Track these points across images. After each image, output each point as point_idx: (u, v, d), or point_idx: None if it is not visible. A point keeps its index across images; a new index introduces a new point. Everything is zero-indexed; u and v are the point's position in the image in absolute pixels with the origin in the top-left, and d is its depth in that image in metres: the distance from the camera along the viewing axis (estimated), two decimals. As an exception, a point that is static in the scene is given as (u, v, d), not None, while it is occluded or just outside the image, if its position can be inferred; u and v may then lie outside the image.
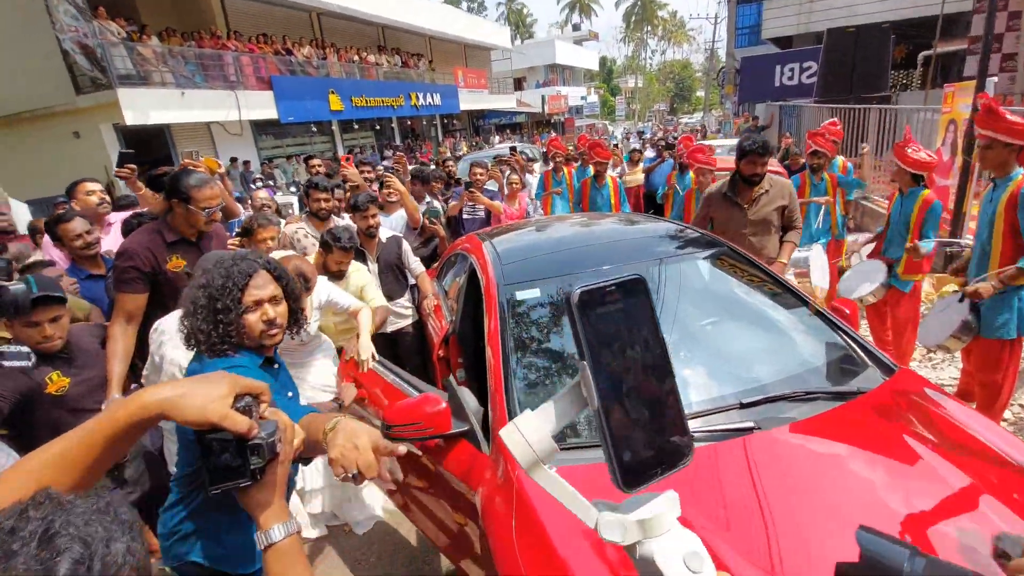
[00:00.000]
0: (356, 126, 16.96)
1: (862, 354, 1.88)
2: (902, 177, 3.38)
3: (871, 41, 9.52)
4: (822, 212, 4.53)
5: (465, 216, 4.84)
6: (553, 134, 19.45)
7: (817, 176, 4.60)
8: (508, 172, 5.36)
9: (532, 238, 2.77)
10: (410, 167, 6.69)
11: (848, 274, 3.79)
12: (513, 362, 1.81)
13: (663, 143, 9.51)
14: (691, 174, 5.65)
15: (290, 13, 14.78)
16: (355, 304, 2.66)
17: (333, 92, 14.38)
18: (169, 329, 1.93)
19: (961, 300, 2.63)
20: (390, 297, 3.22)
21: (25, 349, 1.83)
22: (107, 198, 3.63)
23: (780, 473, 1.40)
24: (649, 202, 7.38)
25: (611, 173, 6.91)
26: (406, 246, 3.37)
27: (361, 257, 3.19)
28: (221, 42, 12.25)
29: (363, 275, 2.96)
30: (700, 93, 56.57)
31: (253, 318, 1.37)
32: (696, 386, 1.76)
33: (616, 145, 8.81)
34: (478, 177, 4.96)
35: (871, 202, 6.85)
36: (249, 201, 5.72)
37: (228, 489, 0.69)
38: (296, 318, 1.50)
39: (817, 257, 4.08)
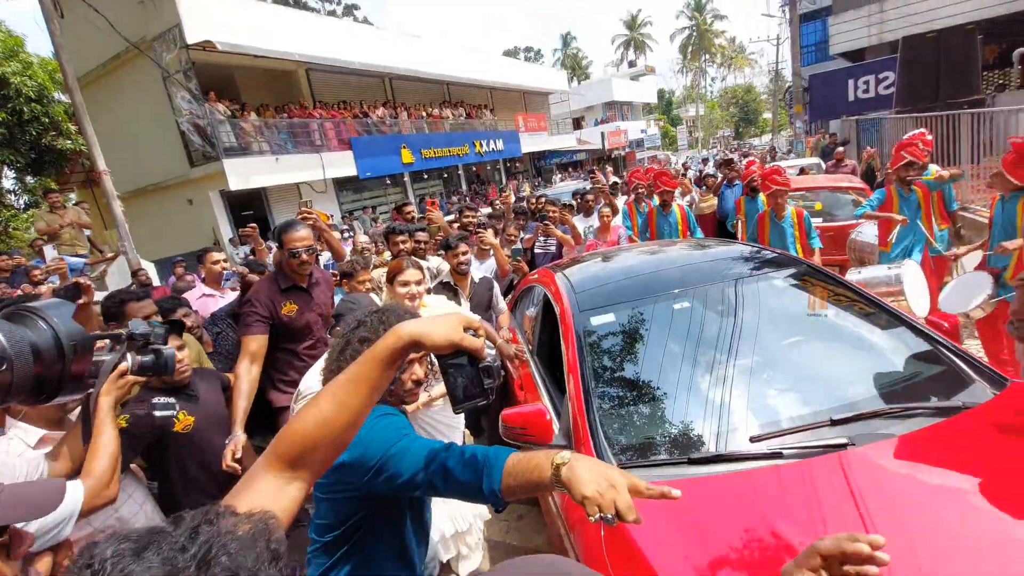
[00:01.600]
0: (426, 176, 18.00)
1: (966, 368, 1.77)
2: (1002, 181, 3.15)
3: (955, 45, 8.96)
4: (895, 231, 4.23)
5: (537, 250, 5.00)
6: (610, 169, 19.58)
7: (906, 188, 4.31)
8: (601, 204, 5.50)
9: (601, 267, 2.85)
10: (498, 205, 7.02)
11: (948, 288, 3.52)
12: (592, 387, 1.88)
13: (721, 161, 9.22)
14: (762, 197, 5.51)
15: (365, 80, 16.23)
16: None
17: (404, 147, 15.45)
18: (312, 387, 1.91)
19: None
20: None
21: (171, 400, 1.97)
22: (227, 264, 4.17)
23: (880, 492, 1.34)
24: (723, 229, 7.17)
25: (681, 202, 6.92)
26: (497, 289, 3.48)
27: (454, 294, 3.31)
28: (307, 111, 13.65)
29: (444, 304, 2.94)
30: (767, 115, 54.86)
31: (403, 377, 1.35)
32: (781, 404, 1.73)
33: (683, 174, 8.67)
34: (550, 212, 5.09)
35: (973, 212, 6.31)
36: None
37: (470, 407, 0.82)
38: (430, 375, 1.59)
39: (911, 274, 3.79)
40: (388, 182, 16.51)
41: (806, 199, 6.40)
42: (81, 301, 2.18)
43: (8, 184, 15.10)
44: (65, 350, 0.95)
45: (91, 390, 1.32)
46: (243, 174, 11.04)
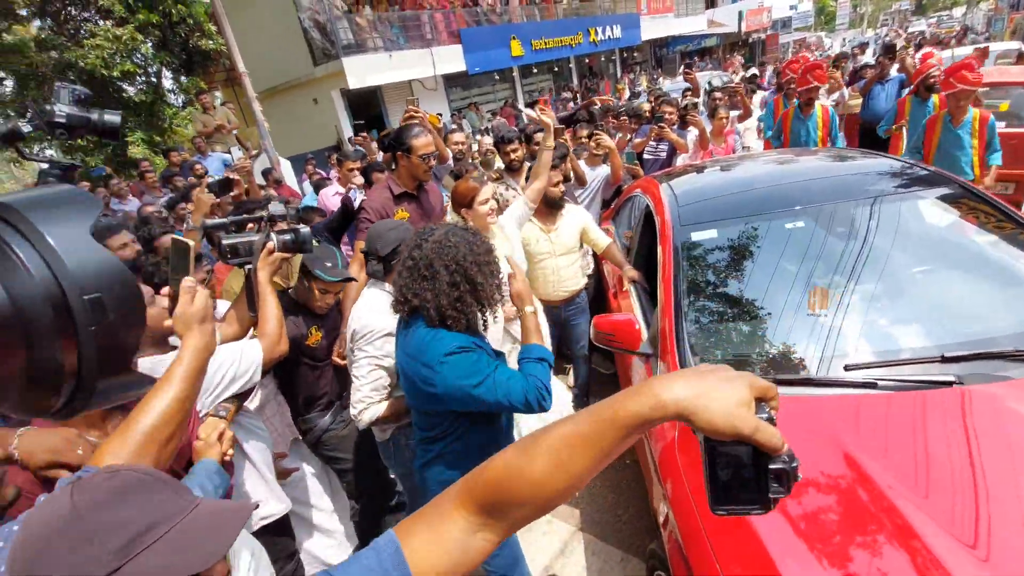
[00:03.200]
0: (535, 70, 17.17)
1: None
2: None
3: None
4: None
5: (647, 155, 4.71)
6: (739, 58, 17.11)
7: None
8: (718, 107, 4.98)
9: (714, 178, 2.71)
10: (622, 104, 6.58)
11: None
12: (684, 299, 1.91)
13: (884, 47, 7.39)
14: (935, 99, 4.54)
15: (476, -39, 15.27)
16: (601, 237, 2.91)
17: (514, 37, 14.70)
18: (384, 328, 1.83)
19: None
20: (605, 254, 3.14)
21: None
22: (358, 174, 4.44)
23: (984, 435, 1.30)
24: (868, 137, 5.77)
25: (826, 101, 5.84)
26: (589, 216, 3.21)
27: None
28: (418, 2, 13.35)
29: (578, 215, 3.00)
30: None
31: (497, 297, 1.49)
32: (891, 335, 1.65)
33: (834, 65, 7.09)
34: (667, 115, 4.59)
35: None
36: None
37: (735, 513, 0.59)
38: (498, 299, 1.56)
39: None
40: (496, 78, 16.05)
41: (990, 97, 5.24)
42: (234, 193, 2.57)
43: (167, 84, 16.96)
44: (75, 311, 0.43)
45: (242, 280, 1.57)
46: (360, 73, 11.37)
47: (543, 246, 2.90)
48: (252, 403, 1.88)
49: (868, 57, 9.80)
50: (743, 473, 0.57)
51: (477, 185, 2.29)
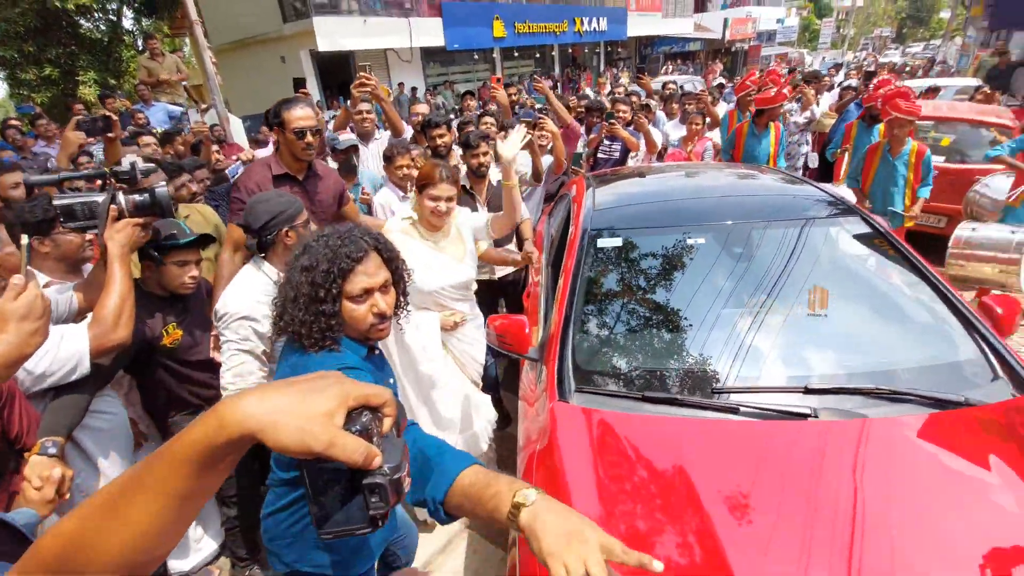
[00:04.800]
0: (517, 54, 16.91)
1: (993, 362, 1.57)
2: None
3: None
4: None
5: (600, 154, 4.67)
6: (719, 65, 17.26)
7: None
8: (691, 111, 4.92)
9: (634, 185, 2.68)
10: (583, 100, 6.47)
11: None
12: (578, 308, 1.87)
13: (857, 74, 7.55)
14: (880, 127, 4.62)
15: (465, -66, 14.83)
16: (482, 242, 2.46)
17: (497, 17, 14.40)
18: (239, 311, 1.64)
19: None
20: (498, 244, 3.05)
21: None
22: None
23: (809, 470, 1.30)
24: (822, 158, 5.98)
25: (798, 118, 5.89)
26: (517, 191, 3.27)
27: (470, 199, 3.06)
28: (400, -32, 12.89)
29: (471, 217, 2.67)
30: (944, 14, 44.60)
31: (361, 311, 1.19)
32: (762, 362, 1.65)
33: (806, 80, 7.13)
34: (620, 112, 4.50)
35: None
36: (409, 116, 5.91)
37: (342, 536, 0.54)
38: (402, 304, 1.31)
39: None
40: (476, 57, 15.72)
41: (936, 131, 5.40)
42: (110, 135, 2.35)
43: (128, 24, 15.98)
44: None
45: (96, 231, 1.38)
46: (331, 35, 10.93)
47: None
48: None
49: (841, 78, 10.00)
50: (343, 492, 0.52)
51: (436, 177, 2.08)
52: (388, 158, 3.20)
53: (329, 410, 0.49)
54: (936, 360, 1.62)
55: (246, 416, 0.47)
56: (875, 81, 5.77)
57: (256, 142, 6.36)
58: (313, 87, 11.84)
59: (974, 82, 8.34)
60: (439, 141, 3.27)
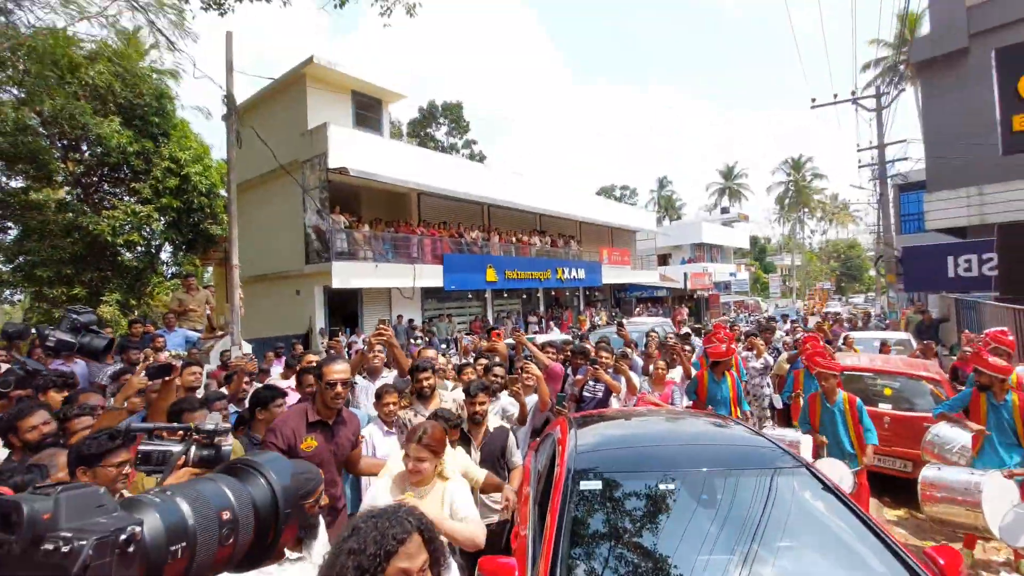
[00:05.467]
0: (506, 295, 19.09)
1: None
2: None
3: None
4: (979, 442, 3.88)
5: (586, 393, 5.09)
6: (685, 309, 19.38)
7: (997, 396, 3.84)
8: (656, 357, 5.55)
9: (615, 430, 3.02)
10: (544, 336, 7.31)
11: (1010, 512, 3.19)
12: (563, 551, 2.01)
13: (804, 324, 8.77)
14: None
15: (466, 206, 18.27)
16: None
17: (490, 267, 16.75)
18: None
19: None
20: (484, 491, 3.15)
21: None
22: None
23: None
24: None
25: (755, 363, 6.64)
26: (512, 440, 3.37)
27: (465, 442, 3.23)
28: (412, 228, 15.51)
29: (460, 457, 2.91)
30: (872, 272, 52.38)
31: None
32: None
33: (753, 333, 8.22)
34: (603, 358, 5.05)
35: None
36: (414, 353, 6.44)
37: None
38: None
39: (995, 485, 3.43)
40: (470, 296, 17.69)
41: (878, 380, 6.07)
42: (168, 378, 2.60)
43: (165, 256, 18.16)
44: (280, 512, 0.78)
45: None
46: (345, 275, 12.54)
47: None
48: None
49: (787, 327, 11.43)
50: None
51: (411, 436, 2.28)
52: (378, 396, 3.59)
53: None
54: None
55: None
56: (801, 337, 6.64)
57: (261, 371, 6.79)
58: (321, 317, 13.00)
59: (906, 336, 9.57)
60: (424, 383, 3.48)
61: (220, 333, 8.09)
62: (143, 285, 16.79)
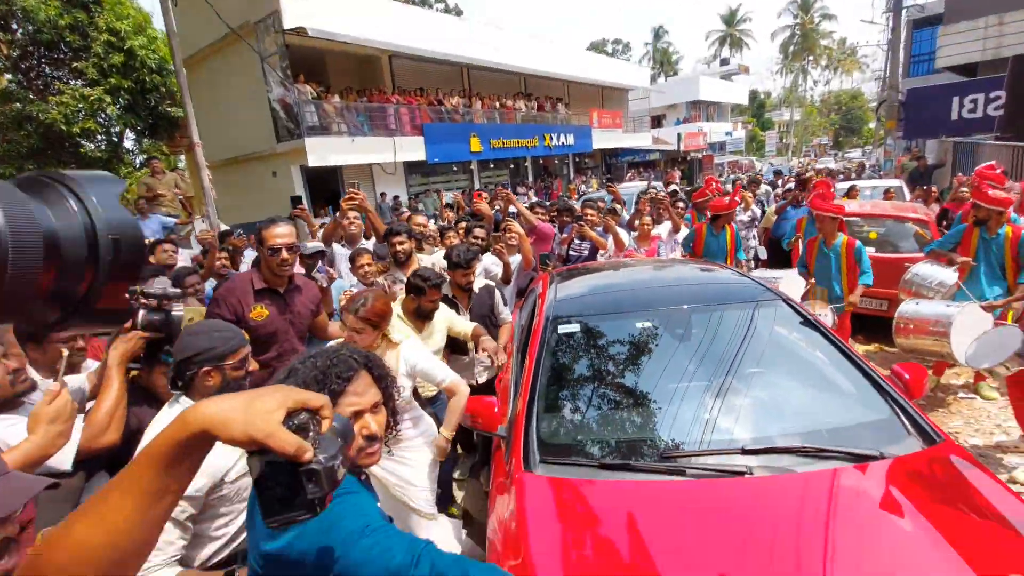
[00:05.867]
0: (492, 165, 18.40)
1: (903, 420, 1.80)
2: None
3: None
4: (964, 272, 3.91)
5: (572, 251, 5.09)
6: (677, 172, 18.93)
7: (991, 229, 3.85)
8: (643, 212, 5.46)
9: (594, 279, 3.00)
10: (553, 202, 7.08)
11: (978, 340, 3.33)
12: (541, 389, 2.07)
13: (796, 179, 8.64)
14: None
15: (443, 68, 16.77)
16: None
17: (474, 135, 15.89)
18: None
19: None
20: (475, 341, 3.15)
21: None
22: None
23: (755, 518, 1.46)
24: (775, 248, 6.72)
25: (742, 216, 6.62)
26: (498, 297, 3.36)
27: (455, 309, 3.17)
28: (386, 96, 14.39)
29: (445, 311, 2.90)
30: (872, 125, 50.45)
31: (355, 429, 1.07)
32: (705, 428, 1.85)
33: (743, 184, 8.08)
34: (588, 215, 5.01)
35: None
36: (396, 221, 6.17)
37: (286, 523, 0.61)
38: (392, 425, 1.23)
39: (968, 316, 3.54)
40: (455, 168, 17.05)
41: (865, 226, 6.05)
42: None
43: (128, 144, 17.09)
44: (100, 247, 0.54)
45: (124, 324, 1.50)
46: (321, 152, 11.89)
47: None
48: None
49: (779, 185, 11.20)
50: (284, 481, 0.60)
51: (347, 309, 2.16)
52: (352, 260, 3.58)
53: (271, 408, 0.59)
54: (855, 421, 1.84)
55: (204, 416, 0.57)
56: (812, 184, 6.54)
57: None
58: (302, 199, 12.61)
59: (898, 182, 9.41)
60: (399, 248, 3.42)
61: (197, 218, 7.86)
62: (113, 177, 16.05)
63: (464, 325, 2.93)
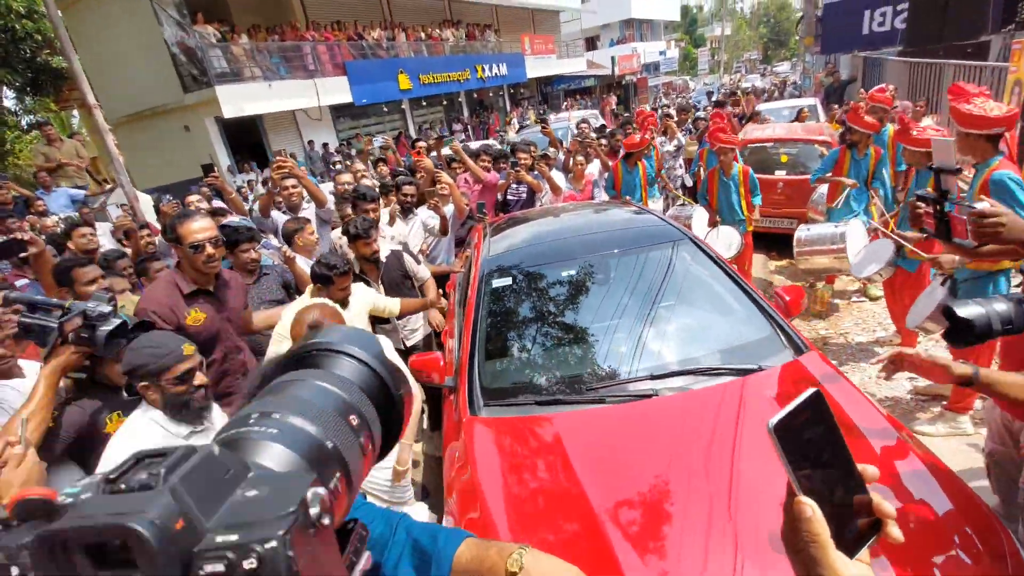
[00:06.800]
0: (425, 103, 17.67)
1: (780, 336, 2.16)
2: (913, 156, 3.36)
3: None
4: (844, 193, 4.42)
5: (510, 196, 5.20)
6: (613, 98, 18.86)
7: (859, 151, 4.37)
8: (575, 152, 5.56)
9: (521, 233, 3.18)
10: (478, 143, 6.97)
11: (860, 252, 3.82)
12: (479, 339, 2.30)
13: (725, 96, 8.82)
14: None
15: (361, -3, 15.57)
16: (390, 303, 2.73)
17: (402, 71, 15.10)
18: None
19: (944, 283, 2.71)
20: (403, 315, 3.19)
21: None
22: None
23: (659, 432, 1.79)
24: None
25: (668, 147, 6.90)
26: (407, 257, 3.29)
27: (366, 283, 3.06)
28: (299, 33, 13.29)
29: (364, 293, 2.81)
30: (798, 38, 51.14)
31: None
32: (623, 360, 2.15)
33: (668, 115, 8.33)
34: (521, 159, 5.06)
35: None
36: (333, 185, 5.58)
37: None
38: None
39: (854, 232, 4.05)
40: (386, 109, 16.28)
41: (779, 149, 6.47)
42: (29, 252, 2.23)
43: (9, 104, 15.16)
44: (392, 391, 0.52)
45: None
46: (236, 101, 11.06)
47: None
48: None
49: (708, 105, 11.49)
50: None
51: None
52: (290, 235, 3.40)
53: None
54: (740, 341, 2.20)
55: None
56: (710, 114, 6.83)
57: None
58: (222, 153, 11.82)
59: (812, 101, 9.89)
60: (373, 216, 3.30)
61: (109, 187, 7.31)
62: (-2, 143, 14.33)
63: (386, 302, 2.86)
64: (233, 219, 4.00)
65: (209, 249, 2.17)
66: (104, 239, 5.10)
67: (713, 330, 2.31)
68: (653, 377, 2.00)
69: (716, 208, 4.76)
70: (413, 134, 16.50)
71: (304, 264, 3.26)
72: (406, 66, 15.31)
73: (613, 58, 24.19)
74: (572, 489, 1.61)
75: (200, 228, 2.17)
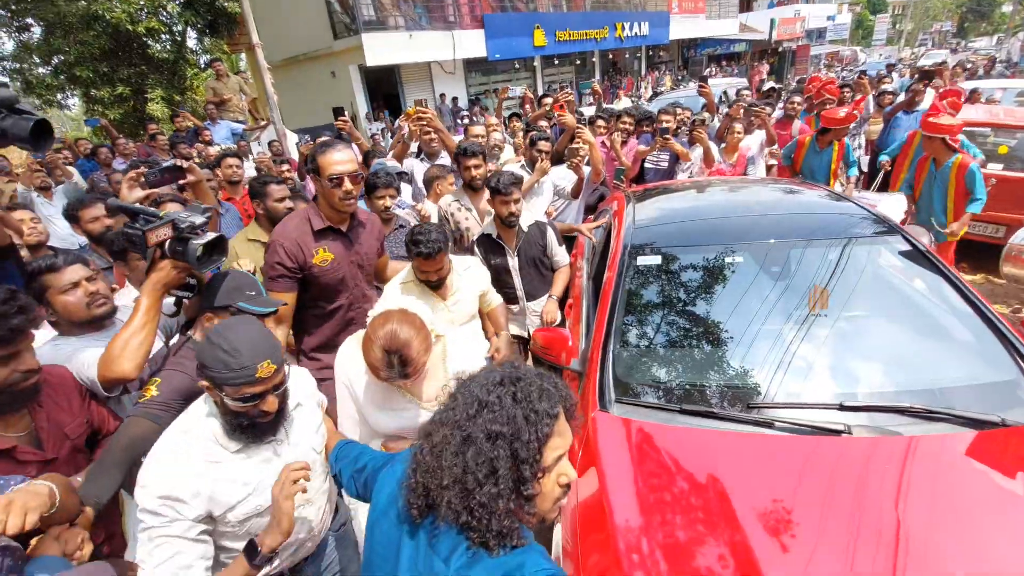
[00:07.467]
0: (556, 61, 17.06)
1: (1036, 383, 1.59)
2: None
3: None
4: None
5: (648, 164, 4.66)
6: (766, 66, 16.78)
7: None
8: (734, 118, 4.87)
9: (677, 202, 2.76)
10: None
11: None
12: (618, 324, 1.98)
13: (920, 71, 7.27)
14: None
15: (507, -54, 15.13)
16: (495, 299, 2.38)
17: (538, 27, 14.61)
18: (158, 489, 1.18)
19: None
20: (532, 296, 2.84)
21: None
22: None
23: (844, 486, 1.36)
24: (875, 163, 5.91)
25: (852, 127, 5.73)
26: (551, 235, 2.84)
27: (500, 250, 2.75)
28: (445, -18, 13.30)
29: (478, 276, 2.38)
30: (1006, 8, 41.72)
31: (558, 491, 0.91)
32: (798, 378, 1.72)
33: (847, 86, 6.81)
34: (664, 122, 4.33)
35: None
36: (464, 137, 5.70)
37: None
38: None
39: None
40: (518, 66, 15.97)
41: (995, 137, 5.18)
42: (188, 180, 2.11)
43: (191, 43, 17.09)
44: None
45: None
46: (379, 50, 11.40)
47: (440, 317, 2.12)
48: None
49: (895, 80, 9.53)
50: None
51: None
52: (427, 183, 3.35)
53: None
54: (973, 380, 1.65)
55: None
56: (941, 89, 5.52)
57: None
58: (361, 101, 12.36)
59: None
60: (474, 172, 2.93)
61: (264, 123, 7.89)
62: (180, 78, 16.31)
63: (493, 300, 2.46)
64: (380, 161, 3.97)
65: (347, 184, 1.96)
66: (251, 171, 5.50)
67: (932, 358, 1.77)
68: (843, 408, 1.56)
69: (917, 203, 3.87)
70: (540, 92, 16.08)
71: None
72: (543, 21, 14.77)
73: (773, 20, 21.49)
74: (734, 536, 1.27)
75: (341, 160, 1.96)
